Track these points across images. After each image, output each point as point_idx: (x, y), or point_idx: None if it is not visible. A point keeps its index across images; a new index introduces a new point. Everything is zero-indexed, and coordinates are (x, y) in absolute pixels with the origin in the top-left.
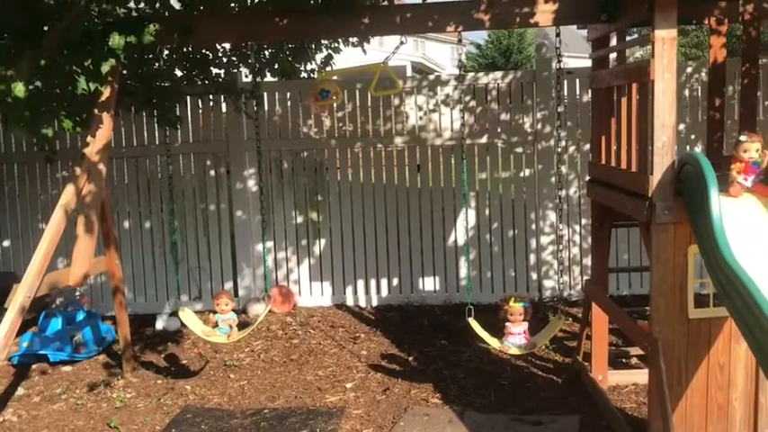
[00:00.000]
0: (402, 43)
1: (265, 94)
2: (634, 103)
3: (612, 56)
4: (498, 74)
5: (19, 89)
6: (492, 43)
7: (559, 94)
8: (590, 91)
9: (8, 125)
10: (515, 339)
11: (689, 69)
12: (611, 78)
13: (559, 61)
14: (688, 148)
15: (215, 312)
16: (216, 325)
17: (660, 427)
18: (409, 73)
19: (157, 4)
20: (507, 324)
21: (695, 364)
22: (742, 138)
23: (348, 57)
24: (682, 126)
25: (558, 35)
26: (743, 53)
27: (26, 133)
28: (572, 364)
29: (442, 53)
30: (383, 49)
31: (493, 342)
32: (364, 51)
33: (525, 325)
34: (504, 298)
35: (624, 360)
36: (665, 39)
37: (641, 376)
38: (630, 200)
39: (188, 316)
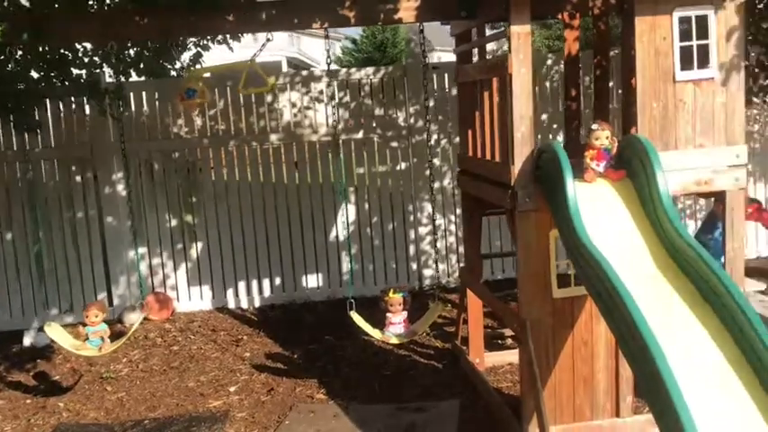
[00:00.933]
0: (268, 40)
1: (131, 94)
2: (495, 96)
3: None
4: (370, 69)
5: None
6: (367, 38)
7: (426, 89)
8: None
9: None
10: (396, 329)
11: (549, 62)
12: (473, 73)
13: (425, 56)
14: (551, 137)
15: (85, 325)
16: (87, 338)
17: (532, 403)
18: (285, 69)
19: (5, 2)
20: (388, 315)
21: (561, 342)
22: (593, 126)
23: (224, 54)
24: (545, 116)
25: (421, 31)
26: (594, 46)
27: None
28: (451, 350)
29: (318, 48)
30: (257, 46)
31: (374, 333)
32: (231, 49)
33: (405, 314)
34: (384, 289)
35: (500, 342)
36: (521, 34)
37: (516, 356)
38: (495, 189)
39: (55, 330)
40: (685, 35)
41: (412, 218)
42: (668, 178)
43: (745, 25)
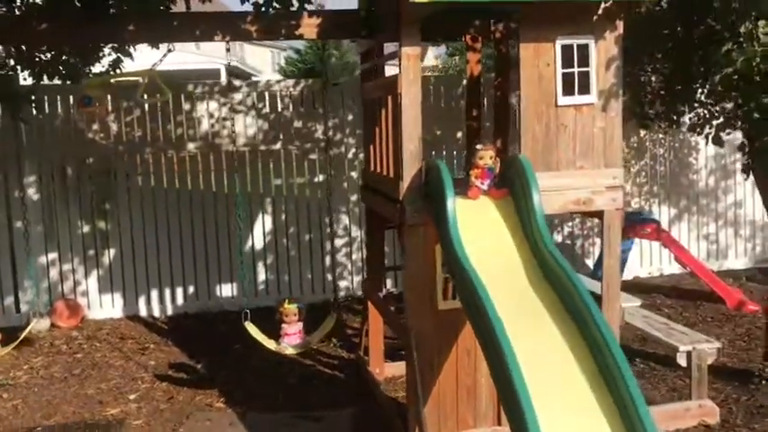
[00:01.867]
0: (170, 51)
1: (46, 98)
2: (390, 113)
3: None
4: (290, 81)
5: None
6: (311, 48)
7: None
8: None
9: None
10: (291, 339)
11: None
12: (373, 91)
13: (326, 76)
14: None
15: None
16: None
17: (414, 412)
18: (223, 77)
19: None
20: (283, 325)
21: (446, 352)
22: (477, 146)
23: (151, 59)
24: (460, 134)
25: (320, 47)
26: (495, 68)
27: None
28: (355, 360)
29: (261, 57)
30: (199, 53)
31: (269, 344)
32: (132, 58)
33: (300, 325)
34: (279, 300)
35: (402, 352)
36: (410, 55)
37: None
38: (389, 204)
39: None
40: (568, 62)
41: (328, 230)
42: (550, 198)
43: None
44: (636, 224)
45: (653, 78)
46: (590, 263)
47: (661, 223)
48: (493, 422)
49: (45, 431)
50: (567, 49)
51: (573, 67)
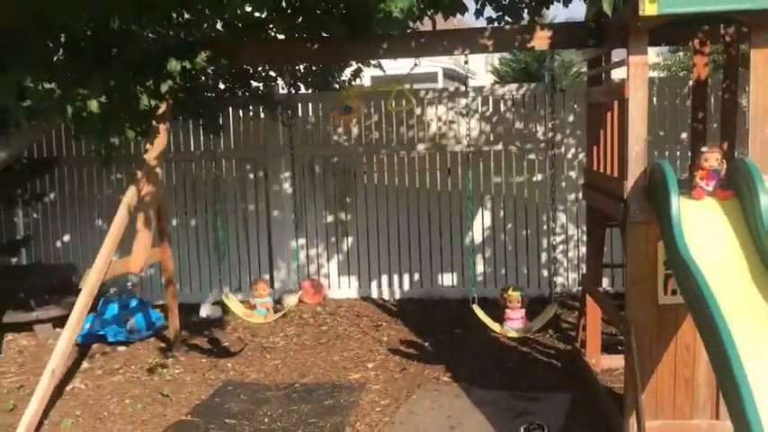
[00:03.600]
0: (416, 65)
1: (299, 104)
2: (615, 117)
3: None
4: (513, 86)
5: (93, 105)
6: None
7: (552, 111)
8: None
9: (82, 134)
10: (513, 324)
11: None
12: (598, 96)
13: (554, 83)
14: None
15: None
16: (254, 308)
17: (632, 399)
18: (440, 79)
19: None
20: (507, 310)
21: (665, 345)
22: (703, 149)
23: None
24: (684, 135)
25: (544, 60)
26: (724, 71)
27: (97, 141)
28: (571, 351)
29: (476, 59)
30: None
31: (494, 326)
32: (383, 70)
33: (522, 311)
34: (504, 288)
35: (620, 347)
36: (638, 63)
37: None
38: (612, 202)
39: (231, 300)
40: None
41: (545, 227)
42: None
43: None
44: None
45: None
46: None
47: None
48: (711, 416)
49: (301, 387)
50: None
51: None
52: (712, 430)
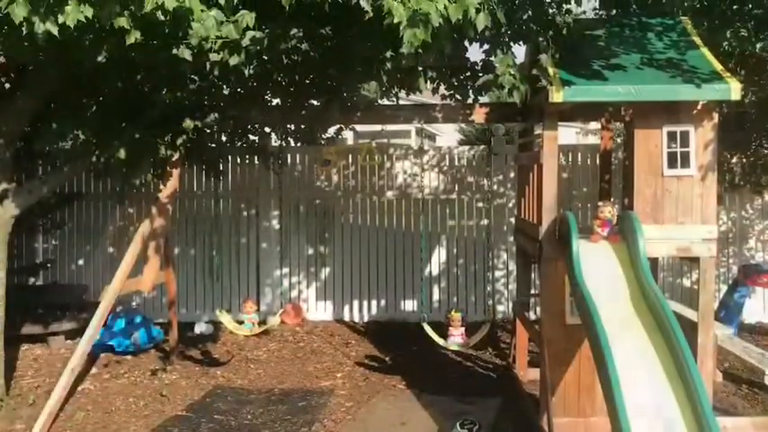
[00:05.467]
0: (382, 130)
1: (289, 155)
2: (535, 176)
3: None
4: (465, 148)
5: (121, 153)
6: None
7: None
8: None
9: (110, 176)
10: (455, 339)
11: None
12: (524, 159)
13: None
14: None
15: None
16: (242, 323)
17: (544, 400)
18: (413, 136)
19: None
20: (450, 328)
21: (571, 356)
22: (599, 203)
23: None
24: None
25: (486, 129)
26: (624, 144)
27: (121, 182)
28: (505, 365)
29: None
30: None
31: (439, 341)
32: (357, 133)
33: (462, 329)
34: (448, 309)
35: None
36: (550, 137)
37: None
38: (532, 243)
39: (224, 315)
40: (672, 144)
41: (490, 263)
42: (657, 245)
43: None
44: (754, 274)
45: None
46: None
47: None
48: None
49: (279, 392)
50: (671, 134)
51: (676, 147)
52: (607, 426)
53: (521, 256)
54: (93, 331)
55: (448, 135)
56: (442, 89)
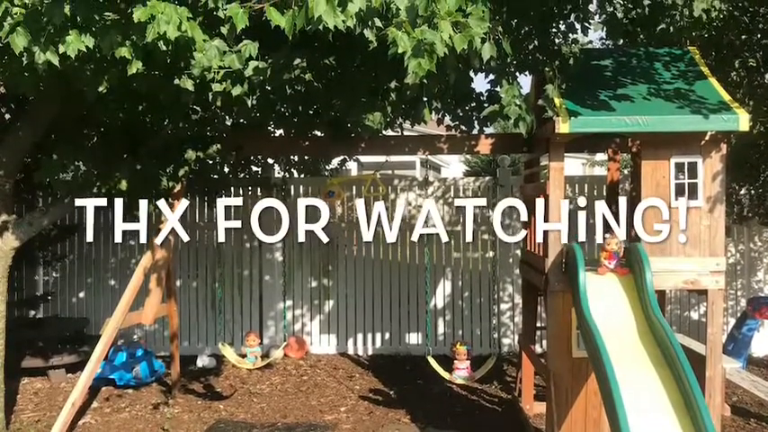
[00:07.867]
0: (386, 161)
1: (292, 186)
2: (540, 207)
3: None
4: (471, 179)
5: (123, 184)
6: None
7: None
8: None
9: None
10: (460, 372)
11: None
12: (530, 190)
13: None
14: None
15: (243, 355)
16: (245, 356)
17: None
18: (418, 167)
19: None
20: (455, 362)
21: (577, 390)
22: (606, 236)
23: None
24: None
25: (490, 160)
26: (631, 174)
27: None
28: (511, 399)
29: None
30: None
31: (444, 374)
32: (361, 164)
33: (468, 363)
34: (453, 343)
35: None
36: (556, 168)
37: None
38: (538, 275)
39: (226, 349)
40: (680, 174)
41: (496, 296)
42: (665, 277)
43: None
44: (762, 306)
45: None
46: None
47: None
48: None
49: (283, 426)
50: (679, 165)
51: (684, 178)
52: None
53: (526, 290)
54: (94, 365)
55: (453, 165)
56: (447, 120)
